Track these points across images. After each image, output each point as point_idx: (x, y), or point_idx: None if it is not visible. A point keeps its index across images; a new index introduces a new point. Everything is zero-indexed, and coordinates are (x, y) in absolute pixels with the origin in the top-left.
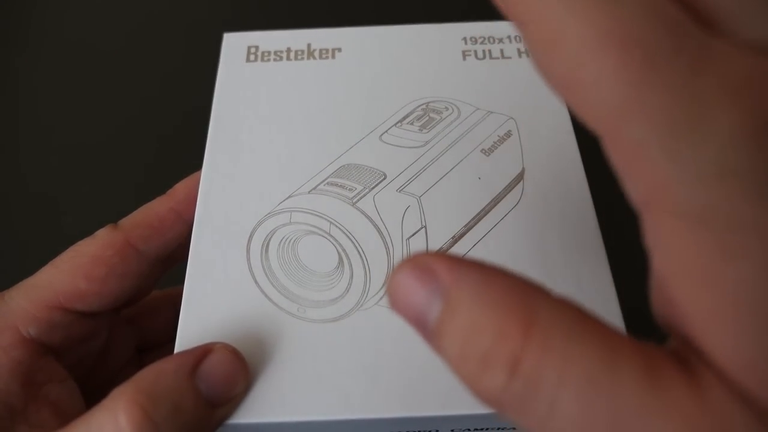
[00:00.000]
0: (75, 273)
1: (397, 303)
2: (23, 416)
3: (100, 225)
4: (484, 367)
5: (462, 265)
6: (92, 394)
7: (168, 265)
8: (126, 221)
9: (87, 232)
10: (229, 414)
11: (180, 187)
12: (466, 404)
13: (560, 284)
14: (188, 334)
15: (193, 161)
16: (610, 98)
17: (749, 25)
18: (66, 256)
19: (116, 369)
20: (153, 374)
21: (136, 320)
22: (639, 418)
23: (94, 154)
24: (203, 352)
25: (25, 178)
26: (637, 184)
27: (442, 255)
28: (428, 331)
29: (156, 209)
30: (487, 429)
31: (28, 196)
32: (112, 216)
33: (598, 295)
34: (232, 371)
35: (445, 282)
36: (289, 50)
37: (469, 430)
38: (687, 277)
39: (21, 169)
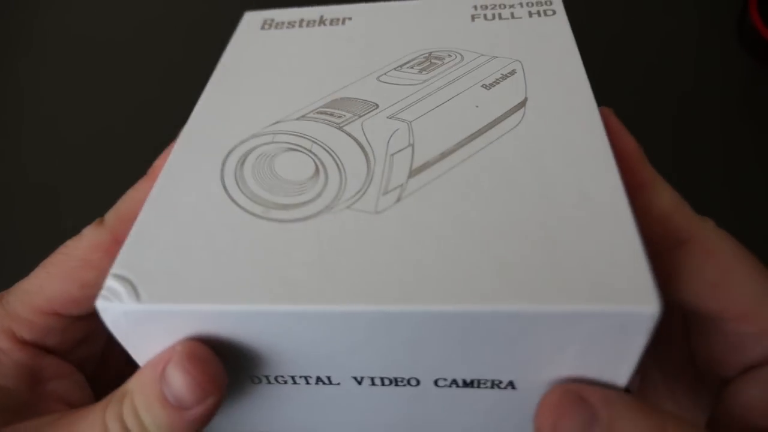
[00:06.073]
0: (65, 279)
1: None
2: (35, 412)
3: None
4: None
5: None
6: (101, 389)
7: None
8: (110, 216)
9: None
10: (207, 414)
11: (159, 166)
12: (433, 298)
13: (562, 195)
14: (144, 229)
15: None
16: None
17: None
18: (56, 258)
19: (120, 365)
20: (136, 374)
21: None
22: None
23: (96, 152)
24: (170, 355)
25: (27, 177)
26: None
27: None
28: None
29: (139, 197)
30: (478, 384)
31: (28, 193)
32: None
33: (610, 203)
34: (192, 377)
35: (599, 406)
36: (302, 20)
37: (456, 383)
38: None
39: (21, 168)
